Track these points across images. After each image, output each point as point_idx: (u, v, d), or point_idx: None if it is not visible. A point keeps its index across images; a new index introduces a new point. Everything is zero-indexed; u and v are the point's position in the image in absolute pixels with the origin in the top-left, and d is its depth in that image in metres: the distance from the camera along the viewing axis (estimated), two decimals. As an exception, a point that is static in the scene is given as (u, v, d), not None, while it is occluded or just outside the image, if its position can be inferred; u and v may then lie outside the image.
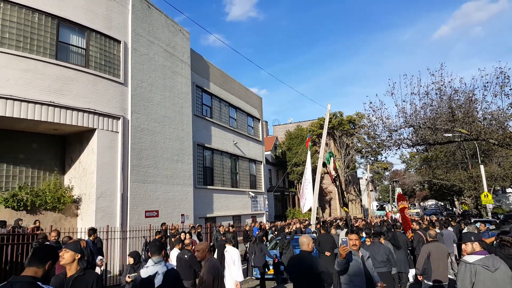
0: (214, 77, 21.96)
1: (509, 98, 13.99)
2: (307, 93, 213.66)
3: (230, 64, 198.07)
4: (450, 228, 14.16)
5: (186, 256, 7.63)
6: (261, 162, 27.47)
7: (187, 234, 10.94)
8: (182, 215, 16.43)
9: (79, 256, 3.45)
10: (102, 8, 13.56)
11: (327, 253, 9.92)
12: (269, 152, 39.47)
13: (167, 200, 15.53)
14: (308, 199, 19.68)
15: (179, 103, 17.11)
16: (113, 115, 13.32)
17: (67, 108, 11.78)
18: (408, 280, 9.84)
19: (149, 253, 4.31)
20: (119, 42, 14.10)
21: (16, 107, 10.64)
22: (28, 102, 10.88)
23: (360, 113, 42.75)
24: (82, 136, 13.08)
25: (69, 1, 12.46)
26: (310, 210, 19.94)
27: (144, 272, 4.00)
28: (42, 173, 12.71)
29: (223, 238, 9.78)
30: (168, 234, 13.78)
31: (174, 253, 8.66)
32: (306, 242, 4.83)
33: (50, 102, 11.31)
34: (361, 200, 53.94)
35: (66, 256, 3.39)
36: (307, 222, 22.10)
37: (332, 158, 19.29)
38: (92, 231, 9.73)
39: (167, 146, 15.90)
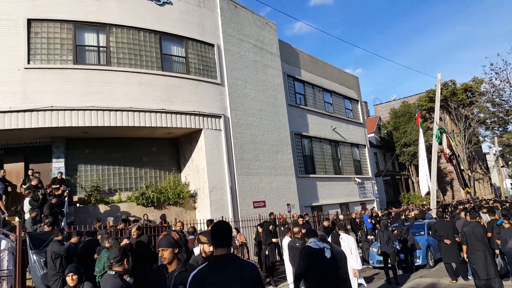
0: (304, 63, 22.87)
1: None
2: (412, 66, 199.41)
3: (321, 49, 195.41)
4: None
5: (297, 244, 8.03)
6: (365, 145, 27.50)
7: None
8: (288, 204, 17.69)
9: (177, 250, 3.35)
10: (195, 16, 15.54)
11: (447, 241, 9.63)
12: (373, 134, 38.81)
13: (272, 190, 16.98)
14: (425, 181, 18.99)
15: (272, 95, 18.48)
16: (215, 115, 15.23)
17: (176, 113, 13.99)
18: None
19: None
20: (212, 45, 15.97)
21: (136, 117, 13.12)
22: (145, 111, 13.31)
23: (478, 78, 39.31)
24: (191, 137, 15.30)
25: (167, 15, 14.68)
26: (428, 193, 19.30)
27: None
28: (162, 173, 15.39)
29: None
30: (277, 223, 15.05)
31: (285, 241, 9.56)
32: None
33: (162, 109, 13.61)
34: (490, 179, 49.31)
35: (165, 254, 3.29)
36: (426, 207, 21.38)
37: (444, 135, 18.11)
38: (210, 222, 11.38)
39: (265, 138, 17.37)
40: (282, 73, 19.85)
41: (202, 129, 14.72)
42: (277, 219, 14.94)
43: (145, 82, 13.58)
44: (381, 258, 10.97)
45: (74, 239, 8.45)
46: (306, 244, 5.06)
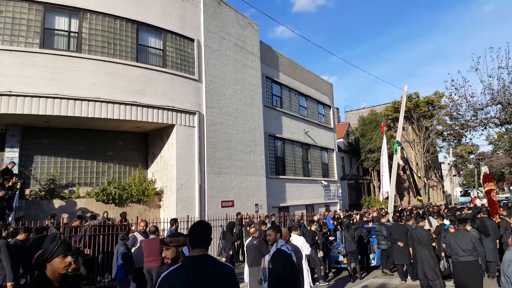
0: (283, 67, 21.59)
1: None
2: (381, 77, 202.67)
3: (299, 54, 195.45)
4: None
5: (255, 242, 7.70)
6: (333, 150, 26.61)
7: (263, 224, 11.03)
8: (256, 204, 16.55)
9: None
10: (176, 9, 13.92)
11: (400, 244, 9.32)
12: (342, 140, 38.15)
13: (241, 190, 15.73)
14: (385, 186, 18.61)
15: (250, 95, 17.11)
16: (189, 111, 13.73)
17: (148, 106, 12.39)
18: (497, 271, 8.88)
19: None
20: (192, 40, 14.41)
21: (103, 108, 11.45)
22: (114, 103, 11.65)
23: (439, 92, 39.19)
24: (162, 132, 13.73)
25: (146, 5, 13.00)
26: (387, 198, 18.81)
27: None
28: (127, 168, 13.69)
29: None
30: (243, 224, 13.98)
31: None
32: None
33: (133, 102, 11.99)
34: (443, 186, 49.90)
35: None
36: (384, 211, 20.91)
37: (399, 148, 18.07)
38: (174, 221, 10.28)
39: (240, 138, 16.04)
40: (261, 74, 18.52)
41: (174, 125, 13.19)
42: (243, 219, 13.95)
43: (116, 72, 11.90)
44: (342, 258, 10.80)
45: (20, 236, 7.21)
46: (278, 247, 4.70)
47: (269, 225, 13.21)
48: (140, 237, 8.30)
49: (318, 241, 10.52)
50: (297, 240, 7.58)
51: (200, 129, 14.16)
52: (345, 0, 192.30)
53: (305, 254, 7.69)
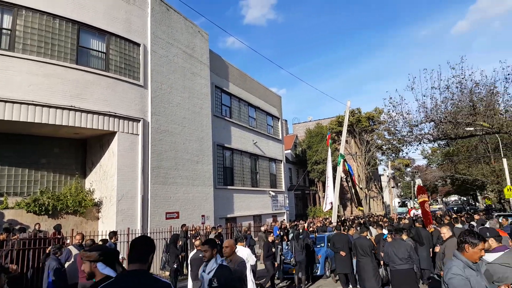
0: (233, 77, 21.62)
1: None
2: (327, 92, 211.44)
3: (250, 65, 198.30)
4: (473, 223, 13.29)
5: (200, 255, 7.30)
6: (281, 161, 26.99)
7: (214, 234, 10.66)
8: (203, 216, 16.19)
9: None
10: (122, 12, 13.40)
11: (342, 253, 9.49)
12: (289, 151, 38.91)
13: (187, 201, 15.31)
14: (329, 197, 19.21)
15: (198, 104, 16.85)
16: (133, 118, 13.16)
17: (87, 112, 11.66)
18: (429, 278, 9.42)
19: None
20: (138, 45, 13.93)
21: (37, 112, 10.57)
22: (50, 107, 10.81)
23: (378, 108, 41.53)
24: (102, 139, 12.98)
25: (89, 6, 12.35)
26: (331, 208, 19.40)
27: None
28: (63, 177, 12.68)
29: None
30: (189, 236, 13.58)
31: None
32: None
33: (71, 106, 11.22)
34: (382, 197, 52.66)
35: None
36: (328, 221, 21.51)
37: (342, 161, 18.95)
38: (113, 233, 9.72)
39: (187, 147, 15.67)
40: (210, 83, 18.35)
41: (116, 132, 12.51)
42: (189, 231, 13.54)
43: (54, 74, 11.08)
44: (290, 266, 10.72)
45: None
46: (219, 263, 4.47)
47: (212, 236, 13.00)
48: (75, 251, 7.68)
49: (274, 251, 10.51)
50: (243, 251, 7.50)
51: (145, 137, 13.61)
52: (294, 16, 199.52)
53: (250, 265, 7.60)
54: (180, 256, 12.16)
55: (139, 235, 12.48)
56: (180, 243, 12.36)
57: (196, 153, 16.22)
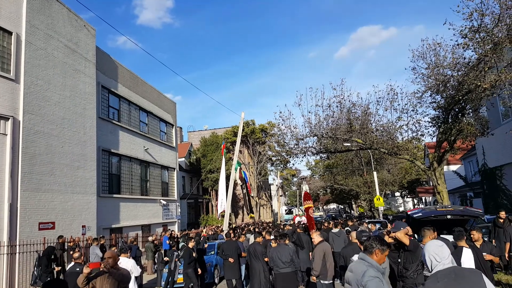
0: (123, 78, 20.50)
1: (397, 112, 15.57)
2: (223, 102, 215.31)
3: (144, 69, 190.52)
4: (348, 228, 15.00)
5: (78, 269, 6.87)
6: (174, 169, 26.41)
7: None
8: (83, 226, 14.85)
9: None
10: (-12, -8, 11.70)
11: (231, 260, 9.65)
12: (183, 159, 38.38)
13: (65, 210, 13.89)
14: (221, 205, 19.54)
15: (81, 104, 15.52)
16: (0, 115, 11.49)
17: None
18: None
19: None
20: (10, 33, 12.30)
21: None
22: None
23: (271, 122, 43.99)
24: (-43, 138, 11.01)
25: None
26: (223, 216, 19.74)
27: None
28: None
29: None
30: (66, 248, 12.34)
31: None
32: None
33: None
34: (271, 205, 55.49)
35: None
36: (220, 229, 21.76)
37: (238, 168, 19.65)
38: None
39: (66, 151, 14.25)
40: (96, 83, 17.08)
41: (-23, 130, 10.80)
42: (66, 243, 12.32)
43: None
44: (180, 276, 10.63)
45: None
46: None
47: (96, 249, 12.03)
48: None
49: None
50: (126, 263, 7.36)
51: (15, 138, 11.98)
52: (192, 22, 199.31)
53: (135, 276, 7.46)
54: (54, 270, 10.97)
55: (5, 247, 10.91)
56: (57, 255, 11.17)
57: (77, 158, 14.86)
